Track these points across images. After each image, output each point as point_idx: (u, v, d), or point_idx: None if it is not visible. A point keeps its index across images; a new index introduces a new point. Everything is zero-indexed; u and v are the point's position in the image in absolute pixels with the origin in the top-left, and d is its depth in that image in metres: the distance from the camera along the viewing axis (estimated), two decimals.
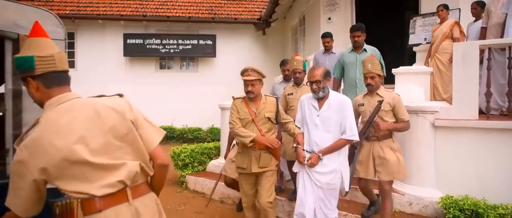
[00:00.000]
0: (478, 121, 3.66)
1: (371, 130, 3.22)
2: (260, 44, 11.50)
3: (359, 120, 3.46)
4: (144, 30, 11.21)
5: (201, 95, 10.96)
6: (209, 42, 11.12)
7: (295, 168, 3.08)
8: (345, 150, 3.04)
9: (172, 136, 10.17)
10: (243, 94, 3.33)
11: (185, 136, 10.13)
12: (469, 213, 3.12)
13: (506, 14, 4.50)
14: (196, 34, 11.17)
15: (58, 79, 1.42)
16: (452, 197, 3.40)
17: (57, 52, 1.43)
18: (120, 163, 1.42)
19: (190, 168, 5.59)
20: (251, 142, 3.08)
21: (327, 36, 5.15)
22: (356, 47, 4.44)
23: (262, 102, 3.25)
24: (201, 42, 11.13)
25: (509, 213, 2.99)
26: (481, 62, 4.15)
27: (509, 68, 3.77)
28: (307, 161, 2.91)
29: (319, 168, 2.89)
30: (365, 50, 4.37)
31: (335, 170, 2.91)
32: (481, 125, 3.59)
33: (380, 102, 3.16)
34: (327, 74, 2.95)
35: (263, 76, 3.25)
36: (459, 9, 5.71)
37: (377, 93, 3.29)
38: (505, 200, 3.17)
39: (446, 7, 5.32)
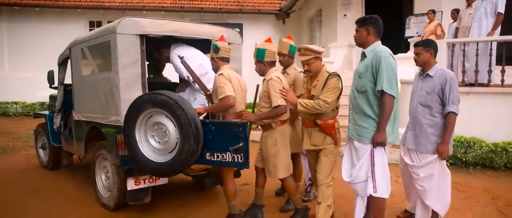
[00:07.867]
0: None
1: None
2: (280, 31, 13.50)
3: None
4: (181, 19, 13.21)
5: None
6: (237, 29, 13.08)
7: None
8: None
9: None
10: None
11: None
12: (466, 144, 5.35)
13: (472, 18, 6.60)
14: (225, 23, 13.18)
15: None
16: None
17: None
18: None
19: None
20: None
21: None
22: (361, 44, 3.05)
23: (315, 80, 3.13)
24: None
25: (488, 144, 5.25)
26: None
27: (490, 56, 5.71)
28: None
29: None
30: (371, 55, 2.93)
31: None
32: None
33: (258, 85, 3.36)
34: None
35: (319, 53, 3.08)
36: (441, 11, 7.86)
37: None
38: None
39: (433, 11, 7.50)
